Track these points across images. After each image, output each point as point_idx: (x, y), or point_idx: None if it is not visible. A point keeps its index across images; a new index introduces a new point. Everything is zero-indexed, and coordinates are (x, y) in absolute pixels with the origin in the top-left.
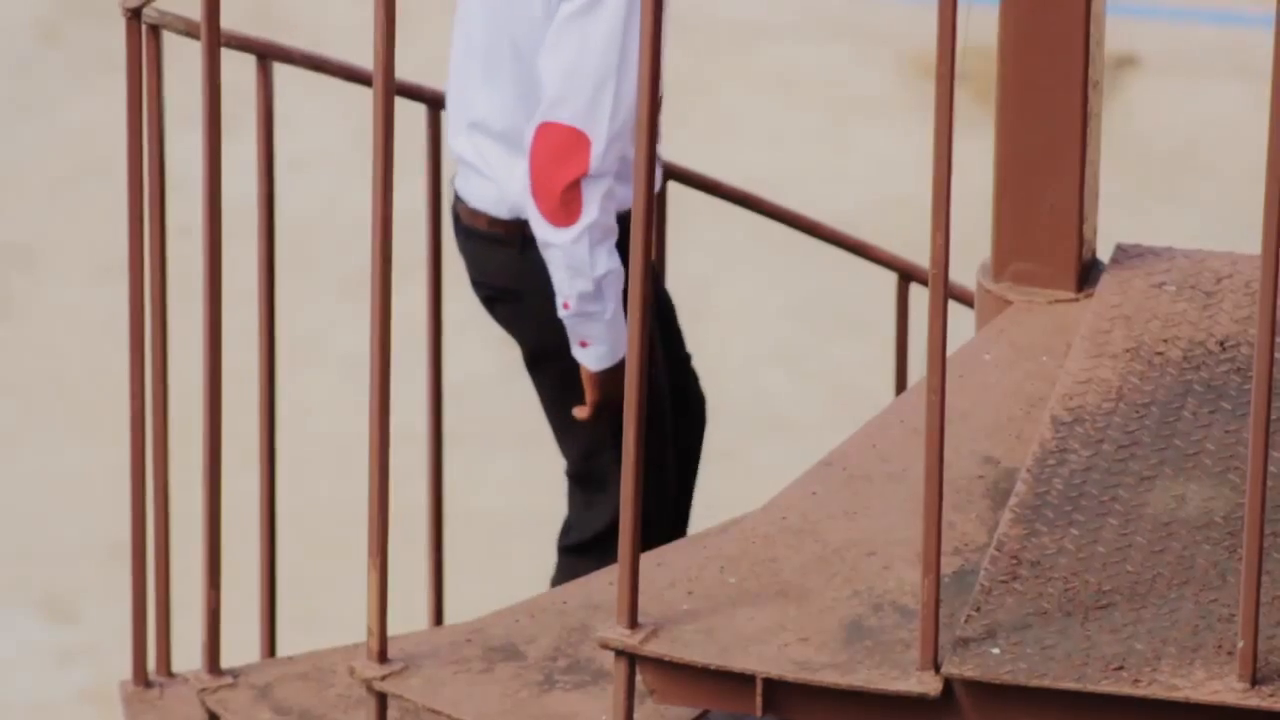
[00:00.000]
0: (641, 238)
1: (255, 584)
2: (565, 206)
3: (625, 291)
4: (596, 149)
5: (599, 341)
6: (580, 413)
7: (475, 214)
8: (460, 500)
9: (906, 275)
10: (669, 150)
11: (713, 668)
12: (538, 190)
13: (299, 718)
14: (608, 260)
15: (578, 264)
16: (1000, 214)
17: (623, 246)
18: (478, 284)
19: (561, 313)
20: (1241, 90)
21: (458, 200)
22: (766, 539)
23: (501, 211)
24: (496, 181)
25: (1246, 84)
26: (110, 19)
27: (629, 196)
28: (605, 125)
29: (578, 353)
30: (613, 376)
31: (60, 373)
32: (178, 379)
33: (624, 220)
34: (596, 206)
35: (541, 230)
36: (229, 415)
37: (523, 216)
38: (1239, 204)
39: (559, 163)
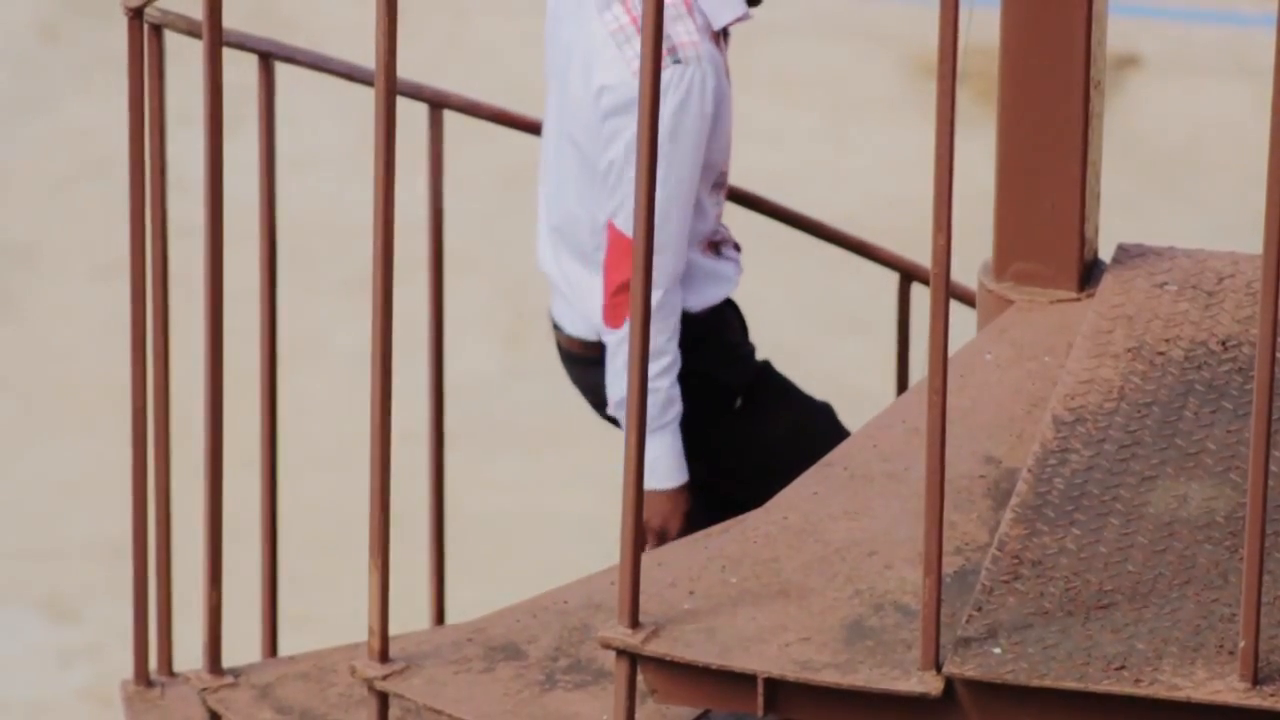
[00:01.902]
0: (642, 238)
1: (256, 583)
2: (614, 309)
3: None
4: None
5: None
6: None
7: (571, 339)
8: (461, 500)
9: (908, 275)
10: None
11: (714, 667)
12: (604, 288)
13: (300, 717)
14: (655, 378)
15: (620, 369)
16: (1002, 214)
17: (692, 346)
18: (596, 405)
19: (611, 410)
20: (1243, 90)
21: (555, 328)
22: (768, 539)
23: (590, 334)
24: (578, 303)
25: (1248, 84)
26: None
27: (694, 300)
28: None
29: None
30: (658, 501)
31: (61, 372)
32: (179, 379)
33: (689, 320)
34: None
35: (600, 330)
36: (230, 415)
37: None
38: (1241, 204)
39: (613, 264)
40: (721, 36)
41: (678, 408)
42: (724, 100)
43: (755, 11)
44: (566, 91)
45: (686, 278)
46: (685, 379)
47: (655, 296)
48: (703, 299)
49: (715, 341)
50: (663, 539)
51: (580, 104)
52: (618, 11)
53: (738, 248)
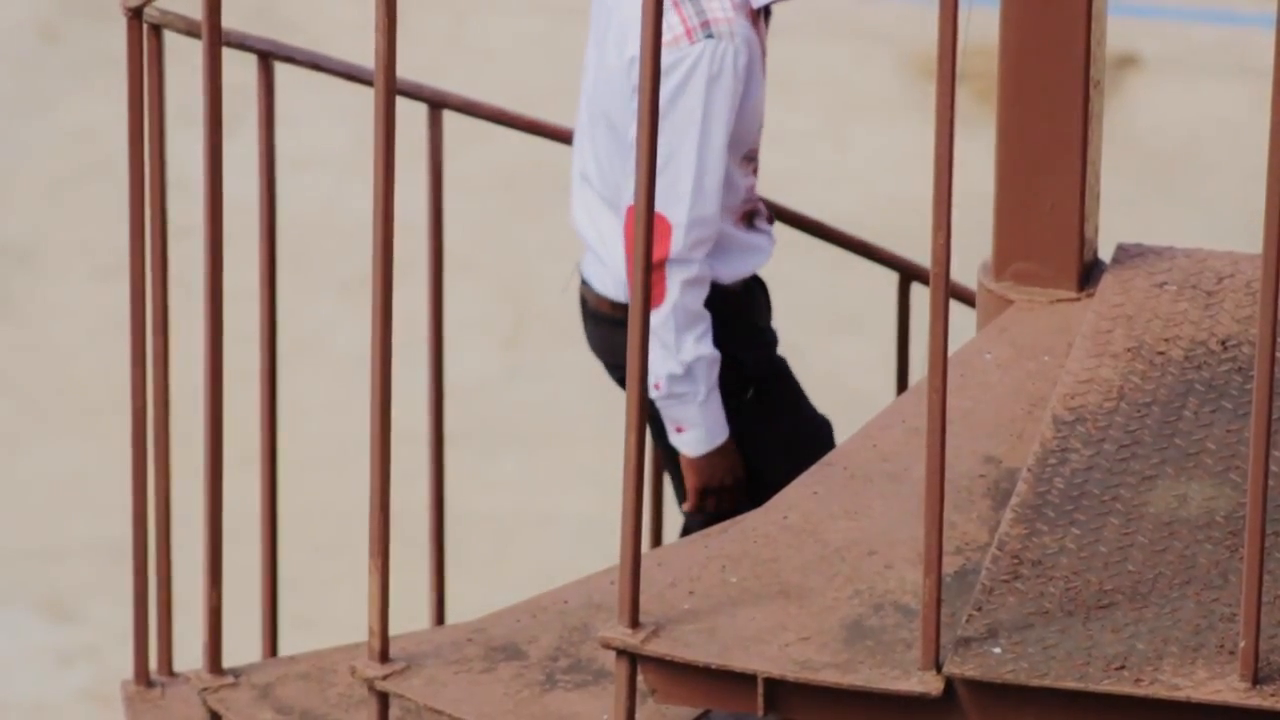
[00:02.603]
0: (644, 236)
1: (256, 583)
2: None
3: (723, 377)
4: (677, 234)
5: (694, 426)
6: (685, 506)
7: (600, 298)
8: (461, 500)
9: (907, 275)
10: None
11: (714, 667)
12: (627, 272)
13: (300, 717)
14: (695, 346)
15: (666, 346)
16: (1001, 213)
17: (719, 325)
18: (612, 367)
19: (653, 393)
20: (1243, 90)
21: (584, 285)
22: (768, 539)
23: (620, 295)
24: (611, 262)
25: (1248, 84)
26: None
27: (726, 273)
28: (685, 210)
29: (674, 439)
30: (711, 462)
31: (61, 372)
32: (178, 379)
33: (720, 294)
34: (679, 290)
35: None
36: (230, 415)
37: None
38: (1240, 203)
39: None
40: (762, 16)
41: (718, 363)
42: (755, 76)
43: None
44: (603, 60)
45: (718, 249)
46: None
47: (692, 270)
48: (734, 270)
49: (742, 322)
50: (733, 492)
51: (612, 73)
52: None
53: (770, 220)
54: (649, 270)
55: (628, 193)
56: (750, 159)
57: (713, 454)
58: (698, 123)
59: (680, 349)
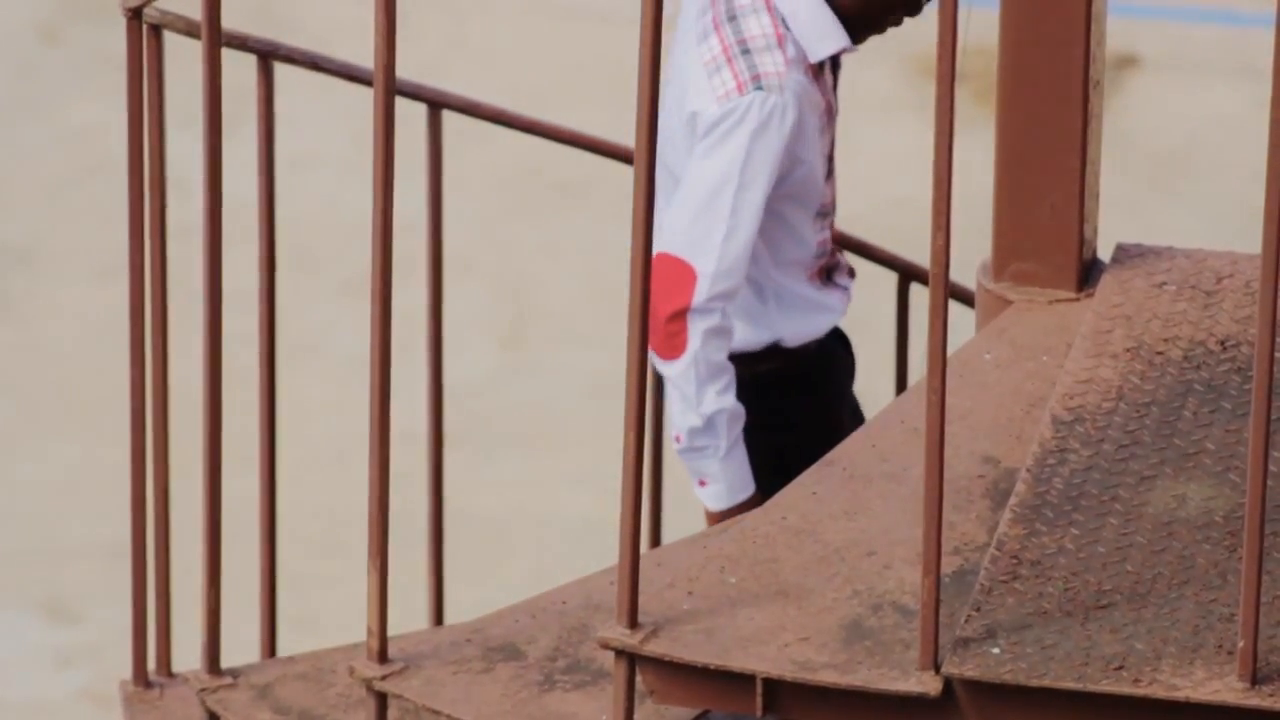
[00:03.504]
0: (642, 233)
1: (255, 584)
2: (670, 338)
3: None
4: (701, 284)
5: (715, 480)
6: None
7: None
8: (460, 500)
9: (907, 275)
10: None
11: (713, 668)
12: (650, 322)
13: (299, 718)
14: (717, 399)
15: (686, 398)
16: (1000, 213)
17: (775, 389)
18: None
19: (675, 446)
20: (1242, 90)
21: None
22: (766, 539)
23: None
24: None
25: (1247, 84)
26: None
27: (789, 333)
28: (713, 261)
29: (698, 492)
30: (733, 517)
31: (60, 373)
32: (178, 379)
33: (784, 356)
34: (699, 340)
35: (654, 361)
36: (229, 415)
37: None
38: (1239, 203)
39: (665, 294)
40: (826, 68)
41: (743, 418)
42: (809, 131)
43: (859, 45)
44: (667, 117)
45: (784, 306)
46: (764, 420)
47: (713, 319)
48: (798, 330)
49: (799, 386)
50: None
51: (672, 129)
52: (713, 42)
53: (852, 273)
54: (649, 267)
55: (663, 237)
56: (823, 214)
57: (735, 510)
58: (735, 175)
59: (701, 401)
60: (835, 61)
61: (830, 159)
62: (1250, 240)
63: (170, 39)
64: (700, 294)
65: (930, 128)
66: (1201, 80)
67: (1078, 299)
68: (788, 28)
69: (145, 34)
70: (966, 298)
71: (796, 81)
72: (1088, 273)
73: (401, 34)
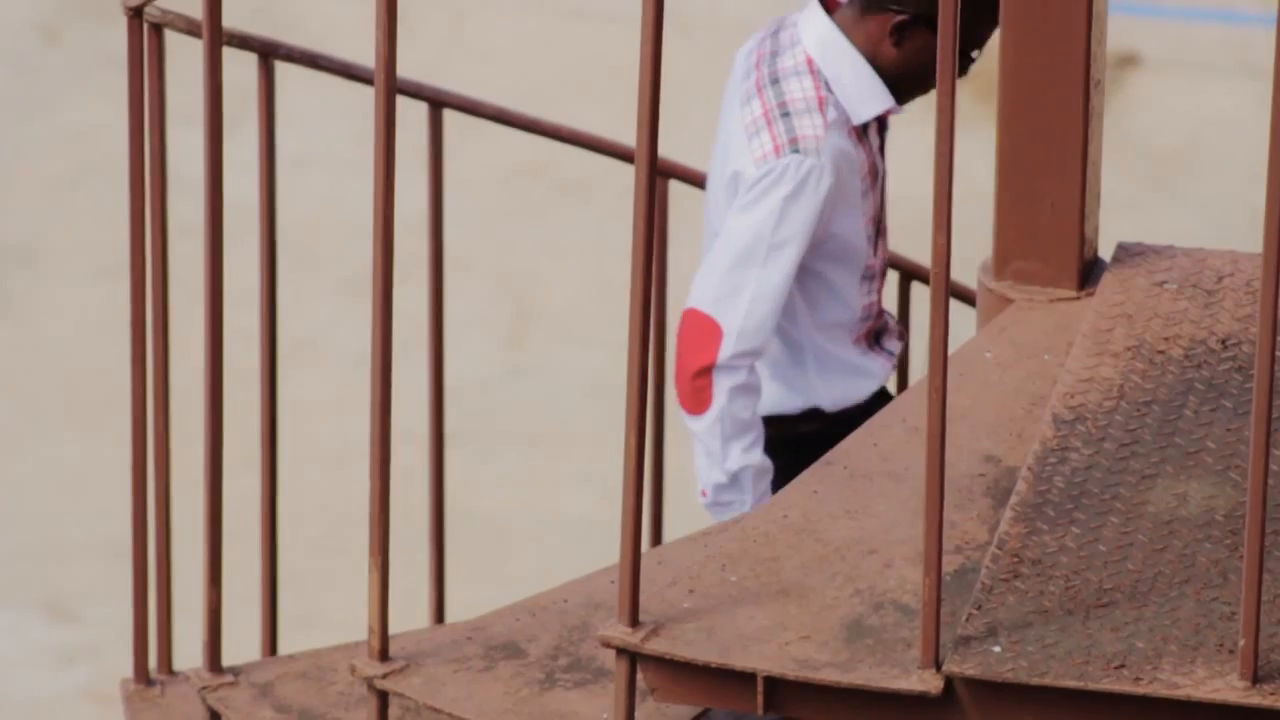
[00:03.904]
0: (643, 232)
1: (256, 582)
2: (696, 394)
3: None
4: (726, 341)
5: None
6: None
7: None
8: (461, 499)
9: (908, 274)
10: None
11: (714, 666)
12: (676, 375)
13: (300, 716)
14: (742, 455)
15: (712, 454)
16: (1001, 212)
17: (787, 446)
18: None
19: (701, 501)
20: (1243, 89)
21: None
22: (767, 538)
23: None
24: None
25: (1248, 82)
26: (111, 18)
27: (828, 397)
28: (739, 319)
29: None
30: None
31: (61, 372)
32: (179, 378)
33: (824, 420)
34: (725, 397)
35: (683, 415)
36: (230, 414)
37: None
38: (1240, 202)
39: (693, 349)
40: (873, 129)
41: (770, 473)
42: (850, 194)
43: (904, 106)
44: (712, 176)
45: (823, 370)
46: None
47: (739, 377)
48: (835, 395)
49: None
50: None
51: (717, 191)
52: (755, 105)
53: (902, 336)
54: (649, 267)
55: (694, 292)
56: (869, 277)
57: None
58: (767, 235)
59: (726, 457)
60: (882, 123)
61: (878, 221)
62: (1251, 239)
63: (171, 38)
64: (725, 351)
65: (930, 128)
66: (1202, 79)
67: (1079, 298)
68: (830, 90)
69: (146, 33)
70: (968, 297)
71: (835, 145)
72: (1089, 271)
73: (402, 33)
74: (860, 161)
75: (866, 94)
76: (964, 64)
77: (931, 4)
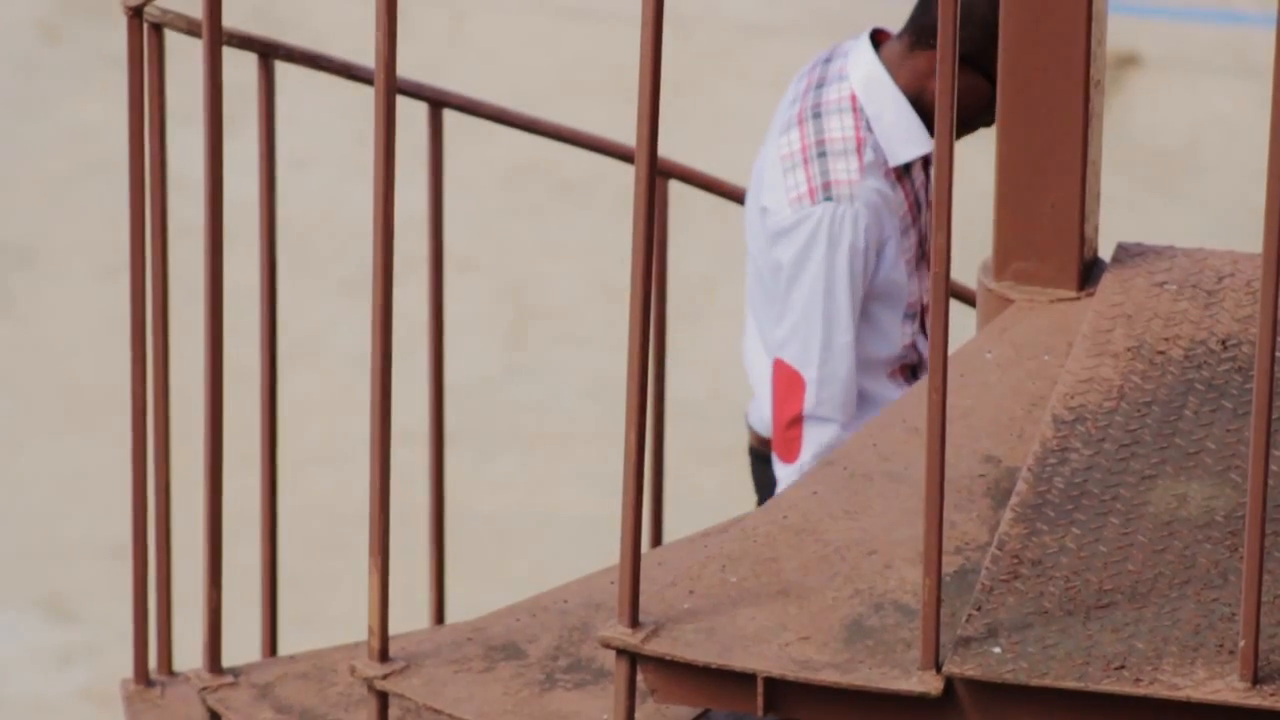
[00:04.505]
0: (643, 232)
1: (256, 583)
2: (788, 444)
3: None
4: (810, 390)
5: None
6: None
7: (751, 431)
8: (461, 499)
9: None
10: (670, 147)
11: (714, 667)
12: (772, 423)
13: (300, 716)
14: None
15: (784, 481)
16: (1001, 213)
17: None
18: (759, 496)
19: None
20: (1243, 89)
21: (750, 430)
22: (767, 538)
23: (762, 429)
24: (760, 400)
25: (1248, 83)
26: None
27: None
28: (816, 368)
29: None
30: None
31: (61, 372)
32: (179, 378)
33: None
34: (810, 454)
35: (774, 462)
36: (230, 414)
37: None
38: (1240, 202)
39: (783, 399)
40: (917, 167)
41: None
42: (888, 234)
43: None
44: (750, 194)
45: (864, 405)
46: None
47: (830, 431)
48: None
49: None
50: None
51: (751, 215)
52: (794, 135)
53: None
54: (649, 266)
55: (774, 344)
56: (911, 316)
57: None
58: (821, 291)
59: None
60: (927, 160)
61: (921, 257)
62: (1251, 239)
63: (171, 37)
64: (809, 400)
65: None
66: (1202, 79)
67: (1079, 298)
68: (870, 129)
69: (146, 32)
70: (968, 297)
71: (870, 189)
72: (1089, 272)
73: (402, 32)
74: (898, 201)
75: (906, 136)
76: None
77: (977, 44)
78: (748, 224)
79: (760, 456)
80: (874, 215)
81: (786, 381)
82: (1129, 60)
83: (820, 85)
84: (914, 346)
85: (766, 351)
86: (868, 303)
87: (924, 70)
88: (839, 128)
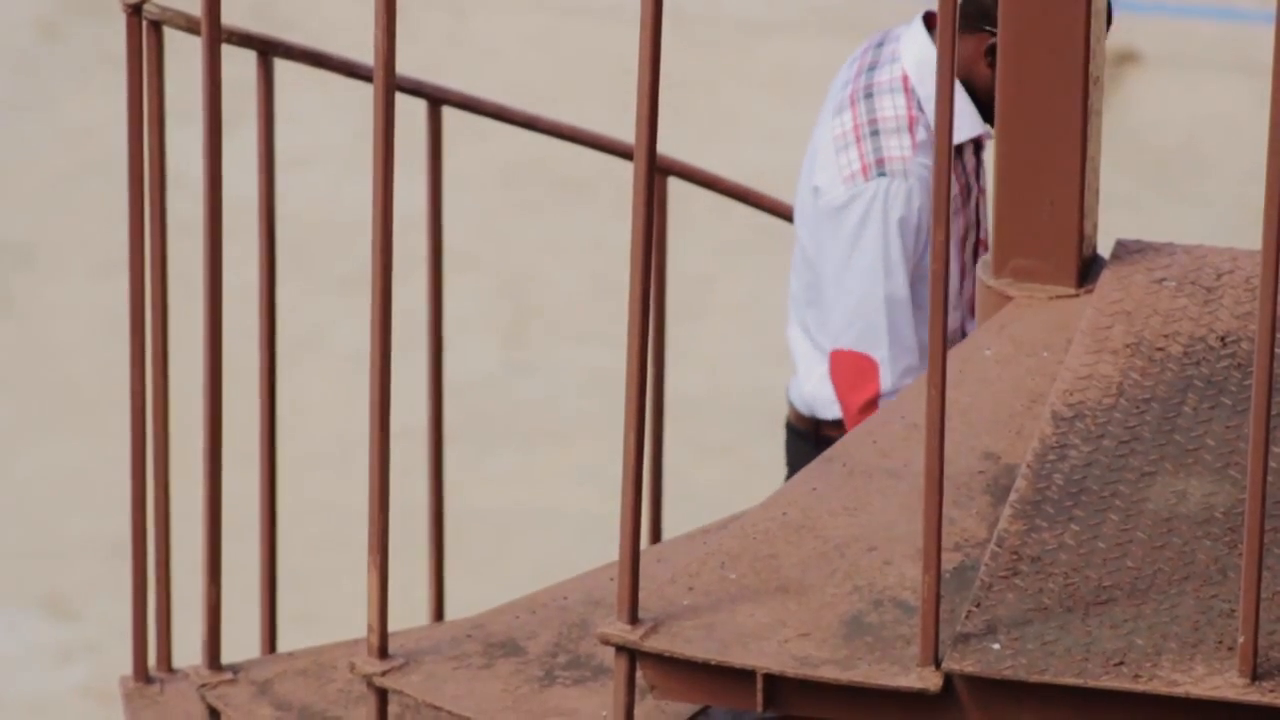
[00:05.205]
0: (642, 230)
1: (256, 580)
2: None
3: None
4: (884, 371)
5: None
6: None
7: (790, 408)
8: (460, 497)
9: None
10: (669, 145)
11: (713, 663)
12: (844, 415)
13: (299, 713)
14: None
15: None
16: (1001, 210)
17: None
18: (790, 471)
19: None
20: (1242, 86)
21: (790, 406)
22: (767, 535)
23: (801, 406)
24: (800, 378)
25: (1247, 80)
26: (111, 16)
27: None
28: (886, 346)
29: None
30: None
31: (61, 370)
32: (178, 376)
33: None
34: None
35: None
36: (229, 412)
37: (818, 415)
38: (1239, 200)
39: (854, 387)
40: (968, 151)
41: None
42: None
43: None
44: (801, 178)
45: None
46: None
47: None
48: None
49: None
50: None
51: (802, 196)
52: (846, 117)
53: None
54: (649, 264)
55: (828, 336)
56: (958, 302)
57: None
58: (880, 268)
59: None
60: (978, 144)
61: (968, 241)
62: (1250, 236)
63: (170, 35)
64: (887, 378)
65: None
66: (1202, 76)
67: (1078, 295)
68: (923, 110)
69: (145, 30)
70: None
71: (922, 165)
72: (1088, 269)
73: (401, 30)
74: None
75: (957, 117)
76: None
77: None
78: (798, 207)
79: (796, 432)
80: (926, 192)
81: (852, 369)
82: (1128, 57)
83: (873, 67)
84: (961, 330)
85: (806, 336)
86: (917, 285)
87: (972, 54)
88: (891, 107)
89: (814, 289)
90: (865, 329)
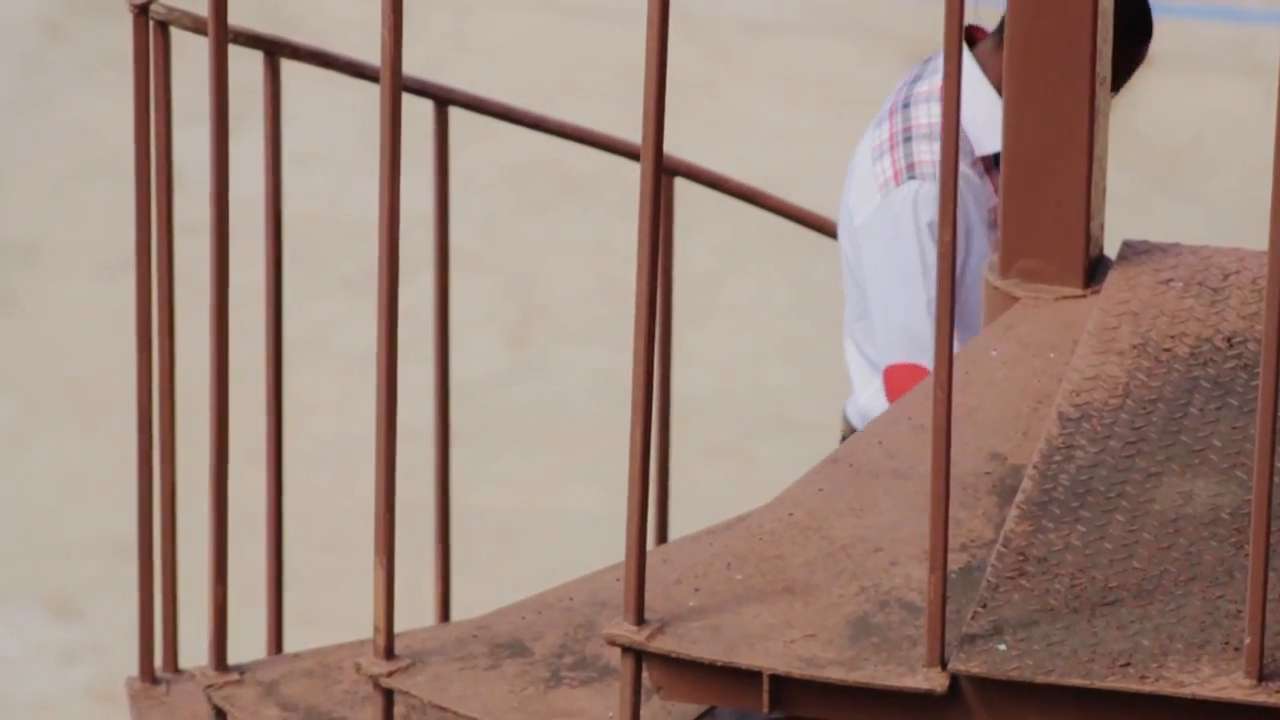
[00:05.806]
0: (648, 230)
1: (262, 580)
2: None
3: None
4: None
5: None
6: None
7: (847, 425)
8: (466, 497)
9: None
10: (675, 145)
11: (719, 664)
12: None
13: (305, 714)
14: None
15: None
16: (1007, 210)
17: None
18: None
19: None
20: (1249, 87)
21: (844, 422)
22: (773, 535)
23: (858, 423)
24: (855, 394)
25: (1254, 80)
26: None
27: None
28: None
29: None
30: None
31: (66, 370)
32: (184, 376)
33: None
34: None
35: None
36: (235, 412)
37: None
38: (1246, 200)
39: None
40: (995, 162)
41: None
42: (973, 225)
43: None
44: (843, 197)
45: None
46: None
47: None
48: None
49: None
50: None
51: (843, 210)
52: (884, 128)
53: None
54: (655, 263)
55: (878, 353)
56: None
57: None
58: (918, 271)
59: None
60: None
61: None
62: (1257, 237)
63: (176, 35)
64: None
65: None
66: (1208, 77)
67: (1084, 295)
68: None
69: (151, 30)
70: None
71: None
72: (1094, 269)
73: (408, 30)
74: (986, 195)
75: (994, 128)
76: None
77: None
78: (839, 222)
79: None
80: (960, 198)
81: (910, 382)
82: None
83: (915, 80)
84: None
85: (859, 351)
86: (958, 290)
87: None
88: (925, 114)
89: (860, 302)
90: (913, 339)
